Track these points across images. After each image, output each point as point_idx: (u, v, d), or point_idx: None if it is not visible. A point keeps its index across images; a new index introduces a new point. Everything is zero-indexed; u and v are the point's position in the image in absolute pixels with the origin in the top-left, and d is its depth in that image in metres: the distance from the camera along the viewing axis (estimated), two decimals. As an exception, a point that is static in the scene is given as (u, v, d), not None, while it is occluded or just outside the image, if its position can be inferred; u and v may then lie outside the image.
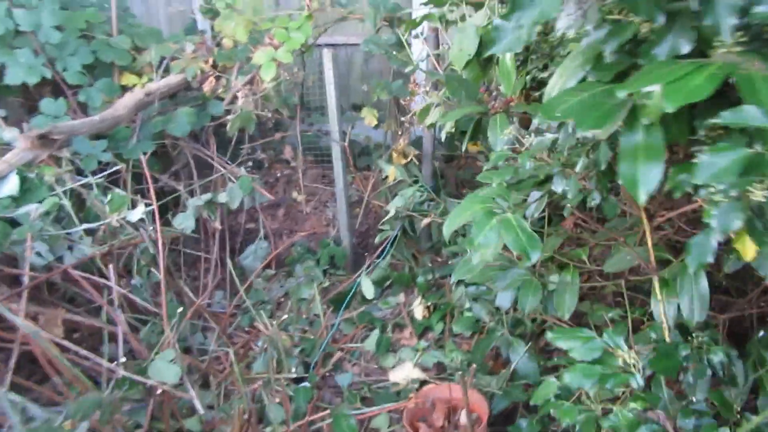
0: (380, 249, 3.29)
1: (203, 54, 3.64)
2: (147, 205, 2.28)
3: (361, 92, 4.97)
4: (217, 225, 2.98)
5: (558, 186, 1.55)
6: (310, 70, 4.23)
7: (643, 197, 0.97)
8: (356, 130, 3.66)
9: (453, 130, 2.01)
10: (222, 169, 3.10)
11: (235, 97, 3.38)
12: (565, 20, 1.13)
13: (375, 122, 3.24)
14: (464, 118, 1.93)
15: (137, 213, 2.18)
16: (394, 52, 3.21)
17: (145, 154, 2.80)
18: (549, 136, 1.54)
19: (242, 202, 3.05)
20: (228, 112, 3.35)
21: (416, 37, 3.85)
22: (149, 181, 2.37)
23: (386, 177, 3.36)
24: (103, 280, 2.31)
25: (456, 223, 1.39)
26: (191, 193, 3.07)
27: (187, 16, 5.08)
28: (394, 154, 3.24)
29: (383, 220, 3.24)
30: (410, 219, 3.28)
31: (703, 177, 0.84)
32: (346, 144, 3.15)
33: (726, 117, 0.81)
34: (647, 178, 0.96)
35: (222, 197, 2.96)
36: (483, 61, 1.71)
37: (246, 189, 2.98)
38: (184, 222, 2.79)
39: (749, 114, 0.79)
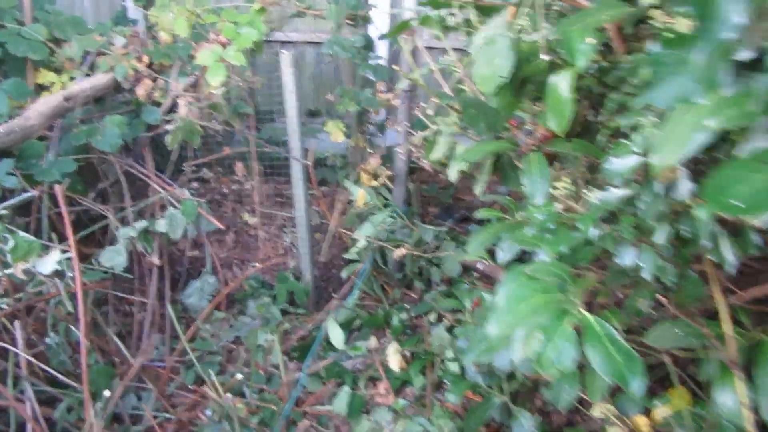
0: (347, 285, 2.87)
1: (136, 49, 3.09)
2: (65, 250, 1.77)
3: (314, 96, 4.51)
4: (155, 260, 2.47)
5: (626, 258, 1.17)
6: (257, 70, 3.75)
7: None
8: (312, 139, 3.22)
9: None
10: (161, 190, 2.58)
11: (174, 103, 2.87)
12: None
13: (342, 137, 2.80)
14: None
15: (50, 262, 1.67)
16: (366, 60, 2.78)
17: (64, 176, 2.26)
18: (617, 193, 1.16)
19: (186, 230, 2.55)
20: (167, 120, 2.84)
21: (381, 38, 3.43)
22: (66, 220, 1.84)
23: (352, 200, 2.94)
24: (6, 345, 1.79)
25: (507, 326, 0.99)
26: (123, 221, 2.54)
27: (116, 2, 4.48)
28: (364, 175, 2.82)
29: (351, 250, 2.82)
30: (381, 250, 2.88)
31: None
32: (309, 163, 2.70)
33: None
34: None
35: (161, 225, 2.45)
36: (518, 85, 1.31)
37: (190, 215, 2.48)
38: (113, 259, 2.28)
39: None
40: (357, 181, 2.89)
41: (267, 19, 3.20)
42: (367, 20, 3.38)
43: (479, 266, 3.05)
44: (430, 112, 1.63)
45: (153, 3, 4.35)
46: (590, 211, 1.18)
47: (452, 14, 1.76)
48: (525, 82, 1.31)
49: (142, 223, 2.43)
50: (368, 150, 2.87)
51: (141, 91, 2.64)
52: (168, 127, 2.60)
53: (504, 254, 1.73)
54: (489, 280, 3.14)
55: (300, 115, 2.74)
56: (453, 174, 1.51)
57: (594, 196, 1.18)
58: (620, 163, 1.11)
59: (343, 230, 2.94)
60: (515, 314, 0.99)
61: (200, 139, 2.65)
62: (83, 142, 2.43)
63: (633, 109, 1.12)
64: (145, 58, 2.75)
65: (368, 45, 3.00)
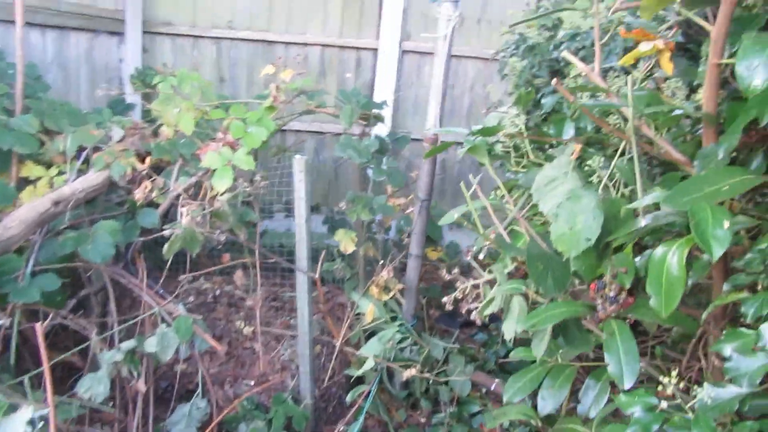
0: (350, 409, 2.60)
1: (135, 143, 2.91)
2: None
3: (313, 188, 4.35)
4: (141, 386, 2.18)
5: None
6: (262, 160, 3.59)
7: None
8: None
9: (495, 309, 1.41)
10: (153, 303, 2.33)
11: (172, 204, 2.66)
12: None
13: (352, 247, 2.60)
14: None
15: (19, 423, 1.39)
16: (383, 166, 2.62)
17: (45, 297, 2.01)
18: (733, 391, 0.96)
19: (177, 349, 2.28)
20: (164, 223, 2.62)
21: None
22: (47, 374, 1.58)
23: (360, 314, 2.71)
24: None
25: None
26: (107, 340, 2.27)
27: (114, 84, 4.36)
28: (374, 288, 2.60)
29: (358, 372, 2.56)
30: (389, 370, 2.63)
31: None
32: (317, 276, 2.48)
33: None
34: None
35: (150, 345, 2.19)
36: (603, 247, 1.13)
37: (185, 334, 2.22)
38: (93, 388, 1.99)
39: None
40: (366, 294, 2.67)
41: (276, 116, 3.06)
42: (379, 119, 3.26)
43: (492, 387, 2.81)
44: (481, 256, 1.44)
45: (152, 87, 4.23)
46: (701, 412, 0.97)
47: (501, 142, 1.61)
48: (609, 243, 1.13)
49: (129, 344, 2.17)
50: (380, 260, 2.67)
51: (139, 195, 2.43)
52: (166, 232, 2.38)
53: (546, 403, 1.50)
54: (501, 400, 2.89)
55: (310, 222, 2.55)
56: (509, 333, 1.30)
57: (705, 392, 0.98)
58: (745, 362, 0.91)
59: (348, 347, 2.69)
60: None
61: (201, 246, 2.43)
62: (70, 250, 2.19)
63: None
64: (147, 161, 2.54)
65: (382, 149, 2.86)
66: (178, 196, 2.59)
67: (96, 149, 2.75)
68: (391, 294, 2.62)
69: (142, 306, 2.37)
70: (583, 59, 2.40)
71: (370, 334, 2.76)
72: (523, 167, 1.55)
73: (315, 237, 2.96)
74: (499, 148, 1.60)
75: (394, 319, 2.78)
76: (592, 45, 2.20)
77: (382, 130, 4.03)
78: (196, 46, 4.57)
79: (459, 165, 4.91)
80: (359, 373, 2.55)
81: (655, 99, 1.19)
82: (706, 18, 1.07)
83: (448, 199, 4.95)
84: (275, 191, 3.22)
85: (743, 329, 0.96)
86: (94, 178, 2.48)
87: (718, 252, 0.83)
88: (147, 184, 2.43)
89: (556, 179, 1.35)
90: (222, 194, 2.42)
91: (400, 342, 2.70)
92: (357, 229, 2.92)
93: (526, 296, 1.37)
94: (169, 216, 2.69)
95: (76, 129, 2.80)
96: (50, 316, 2.07)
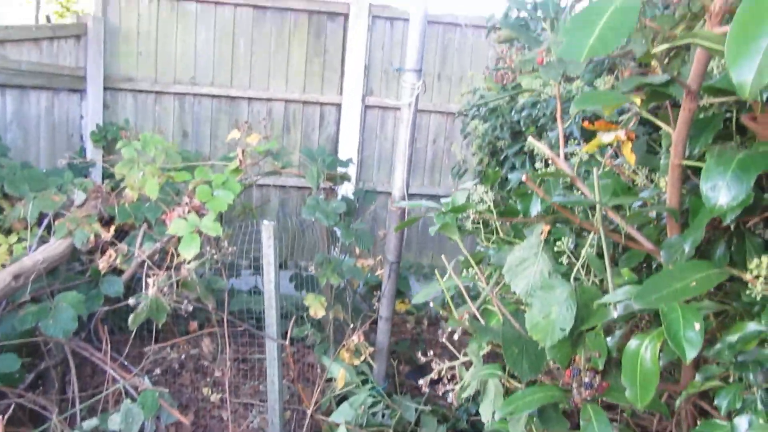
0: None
1: (97, 206, 2.86)
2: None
3: (279, 244, 4.32)
4: (104, 467, 2.10)
5: None
6: (225, 219, 3.56)
7: None
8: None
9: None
10: (118, 378, 2.26)
11: (136, 271, 2.61)
12: None
13: (322, 312, 2.59)
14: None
15: None
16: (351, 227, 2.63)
17: (2, 377, 1.93)
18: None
19: (143, 424, 2.21)
20: (128, 290, 2.57)
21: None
22: None
23: (331, 379, 2.67)
24: None
25: None
26: (69, 418, 2.18)
27: (75, 141, 4.30)
28: (344, 353, 2.58)
29: (329, 438, 2.52)
30: (362, 435, 2.59)
31: None
32: (287, 343, 2.45)
33: None
34: None
35: (114, 423, 2.11)
36: (577, 338, 1.16)
37: (150, 409, 2.16)
38: (54, 473, 1.91)
39: None
40: (337, 358, 2.65)
41: (242, 177, 3.06)
42: (345, 178, 3.29)
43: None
44: (456, 336, 1.46)
45: (113, 143, 4.19)
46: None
47: (469, 217, 1.64)
48: (581, 332, 1.16)
49: (91, 422, 2.09)
50: (349, 323, 2.66)
51: (103, 264, 2.38)
52: (131, 302, 2.33)
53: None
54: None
55: (278, 287, 2.53)
56: (486, 415, 1.31)
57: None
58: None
59: (323, 417, 2.64)
60: None
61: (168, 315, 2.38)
62: (30, 326, 2.12)
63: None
64: (111, 229, 2.50)
65: (350, 210, 2.88)
66: (142, 263, 2.54)
67: (58, 215, 2.70)
68: (362, 358, 2.60)
69: (106, 379, 2.29)
70: (543, 126, 2.49)
71: (342, 398, 2.72)
72: (493, 243, 1.59)
73: (288, 300, 2.94)
74: (468, 224, 1.63)
75: (365, 382, 2.75)
76: (552, 113, 2.29)
77: (347, 184, 4.07)
78: (159, 102, 4.57)
79: (423, 217, 4.97)
80: (331, 440, 2.50)
81: (620, 186, 1.25)
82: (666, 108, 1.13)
83: (413, 251, 4.99)
84: (242, 248, 3.20)
85: (717, 421, 0.99)
86: (56, 246, 2.42)
87: (691, 354, 0.86)
88: (111, 252, 2.38)
89: (527, 260, 1.39)
90: (189, 262, 2.38)
91: (371, 406, 2.68)
92: (325, 292, 2.91)
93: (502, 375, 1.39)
94: (133, 282, 2.64)
95: (37, 194, 2.74)
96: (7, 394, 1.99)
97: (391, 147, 4.86)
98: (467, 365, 1.41)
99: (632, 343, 1.01)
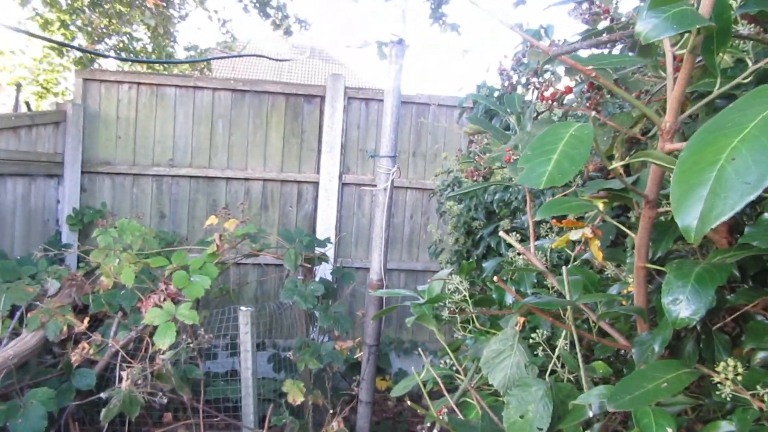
0: None
1: (71, 294, 2.83)
2: None
3: (257, 321, 4.26)
4: None
5: None
6: (202, 302, 3.52)
7: None
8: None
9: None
10: (86, 478, 2.17)
11: (110, 363, 2.56)
12: None
13: (300, 397, 2.54)
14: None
15: None
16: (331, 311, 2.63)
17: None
18: None
19: None
20: (101, 379, 2.50)
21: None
22: None
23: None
24: None
25: None
26: None
27: (50, 226, 4.27)
28: (325, 441, 2.52)
29: None
30: None
31: None
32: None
33: None
34: None
35: None
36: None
37: None
38: None
39: None
40: (316, 447, 2.58)
41: (219, 260, 3.06)
42: (323, 259, 3.30)
43: None
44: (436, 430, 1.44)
45: (88, 225, 4.16)
46: None
47: (447, 307, 1.66)
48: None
49: None
50: (329, 409, 2.61)
51: (76, 357, 2.33)
52: (103, 395, 2.27)
53: None
54: None
55: (256, 374, 2.49)
56: None
57: None
58: None
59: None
60: None
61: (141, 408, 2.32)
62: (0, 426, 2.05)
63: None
64: (85, 321, 2.46)
65: (328, 293, 2.88)
66: (116, 353, 2.50)
67: (31, 306, 2.65)
68: (342, 445, 2.54)
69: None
70: (516, 208, 2.56)
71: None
72: (470, 332, 1.60)
73: (267, 385, 2.89)
74: (445, 313, 1.65)
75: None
76: (523, 197, 2.36)
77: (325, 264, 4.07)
78: (137, 184, 4.59)
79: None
80: None
81: (591, 281, 1.28)
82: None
83: (393, 326, 4.96)
84: (219, 329, 3.16)
85: None
86: (27, 340, 2.37)
87: (665, 461, 0.88)
88: (84, 345, 2.33)
89: (504, 352, 1.40)
90: (164, 352, 2.35)
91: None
92: (304, 374, 2.87)
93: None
94: (107, 372, 2.58)
95: (9, 285, 2.70)
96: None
97: (368, 223, 4.91)
98: (448, 462, 1.39)
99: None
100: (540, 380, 1.17)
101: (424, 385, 1.53)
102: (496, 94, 2.55)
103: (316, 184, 4.85)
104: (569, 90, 1.64)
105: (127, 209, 4.52)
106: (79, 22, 8.95)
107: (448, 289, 1.67)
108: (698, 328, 1.04)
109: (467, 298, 1.59)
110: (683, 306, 0.80)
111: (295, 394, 2.55)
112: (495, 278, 1.14)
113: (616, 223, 1.10)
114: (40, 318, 2.49)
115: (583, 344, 1.36)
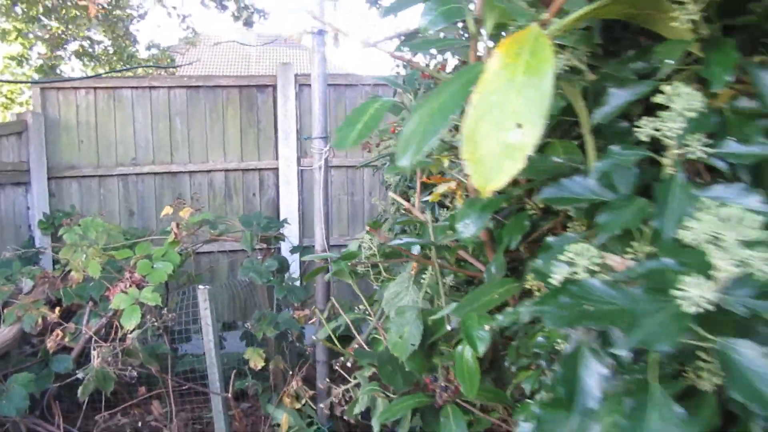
0: None
1: (44, 291, 3.06)
2: None
3: (230, 305, 4.52)
4: None
5: None
6: (172, 287, 3.77)
7: None
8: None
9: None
10: (70, 448, 2.43)
11: (85, 347, 2.80)
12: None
13: (261, 363, 2.81)
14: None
15: None
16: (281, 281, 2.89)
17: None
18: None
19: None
20: (79, 365, 2.75)
21: (293, 251, 3.60)
22: None
23: (277, 424, 2.88)
24: None
25: None
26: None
27: (23, 231, 4.48)
28: (286, 399, 2.79)
29: (279, 482, 2.70)
30: (310, 476, 2.78)
31: None
32: (230, 396, 2.66)
33: None
34: None
35: (70, 490, 2.28)
36: (428, 348, 1.43)
37: (104, 474, 2.34)
38: None
39: None
40: (280, 405, 2.85)
41: (181, 248, 3.30)
42: (280, 239, 3.56)
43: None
44: (348, 364, 1.72)
45: (60, 228, 4.37)
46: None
47: (363, 263, 1.93)
48: (434, 344, 1.44)
49: (50, 491, 2.26)
50: (289, 372, 2.88)
51: (51, 344, 2.58)
52: (79, 375, 2.52)
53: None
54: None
55: (218, 346, 2.75)
56: (376, 428, 1.56)
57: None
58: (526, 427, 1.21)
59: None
60: None
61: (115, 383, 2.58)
62: (-15, 408, 2.30)
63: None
64: (56, 310, 2.70)
65: (282, 267, 3.14)
66: (90, 338, 2.74)
67: (7, 303, 2.89)
68: (303, 401, 2.82)
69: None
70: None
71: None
72: (381, 281, 1.87)
73: (234, 357, 3.15)
74: (361, 268, 1.92)
75: (311, 424, 2.96)
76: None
77: (293, 238, 4.33)
78: (103, 185, 4.80)
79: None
80: (280, 483, 2.68)
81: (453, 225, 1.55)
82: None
83: (345, 295, 5.24)
84: (191, 315, 3.41)
85: (527, 401, 1.27)
86: (5, 333, 2.61)
87: (481, 349, 1.15)
88: (58, 332, 2.58)
89: (401, 293, 1.67)
90: (132, 332, 2.60)
91: (318, 446, 2.88)
92: (270, 344, 3.14)
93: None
94: (83, 357, 2.82)
95: (-15, 286, 2.93)
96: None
97: (331, 204, 5.15)
98: (359, 387, 1.67)
99: (459, 348, 1.29)
100: (413, 307, 1.44)
101: (336, 330, 1.81)
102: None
103: (276, 170, 5.08)
104: (443, 67, 1.90)
105: (96, 210, 4.73)
106: (38, 32, 9.00)
107: (364, 248, 1.94)
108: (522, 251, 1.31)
109: (376, 253, 1.86)
110: (471, 227, 1.06)
111: (256, 360, 2.82)
112: (366, 228, 1.40)
113: (458, 176, 1.37)
114: (16, 313, 2.72)
115: (476, 281, 1.62)
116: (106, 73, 6.15)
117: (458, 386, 1.47)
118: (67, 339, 2.75)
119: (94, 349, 2.48)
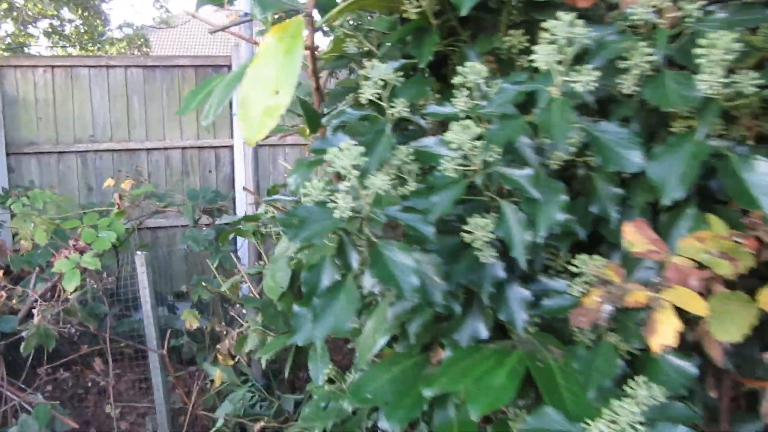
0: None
1: (-5, 259, 3.25)
2: None
3: (186, 276, 4.73)
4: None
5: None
6: (124, 258, 3.97)
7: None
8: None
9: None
10: (14, 398, 2.65)
11: (31, 309, 3.01)
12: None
13: (196, 323, 3.04)
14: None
15: None
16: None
17: None
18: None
19: (39, 435, 2.60)
20: (26, 323, 2.96)
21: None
22: None
23: (212, 381, 3.11)
24: None
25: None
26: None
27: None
28: (220, 356, 3.02)
29: (212, 429, 2.94)
30: (242, 426, 3.02)
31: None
32: (164, 352, 2.88)
33: (530, 423, 0.79)
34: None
35: (11, 435, 2.50)
36: (297, 292, 1.67)
37: (44, 421, 2.55)
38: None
39: (554, 420, 0.78)
40: (215, 362, 3.08)
41: (127, 218, 3.51)
42: (223, 211, 3.77)
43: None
44: (244, 311, 1.95)
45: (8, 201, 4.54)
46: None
47: (267, 227, 2.15)
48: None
49: (-9, 435, 2.47)
50: (223, 332, 3.11)
51: (-5, 303, 2.78)
52: (23, 334, 2.73)
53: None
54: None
55: (156, 311, 2.97)
56: (263, 361, 1.80)
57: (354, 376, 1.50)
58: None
59: (205, 412, 3.07)
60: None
61: (57, 341, 2.79)
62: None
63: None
64: (0, 273, 2.90)
65: (220, 236, 3.35)
66: (35, 301, 2.95)
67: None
68: (236, 359, 3.05)
69: (3, 401, 2.67)
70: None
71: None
72: (277, 239, 2.10)
73: (168, 320, 3.37)
74: (265, 229, 2.14)
75: (246, 381, 3.19)
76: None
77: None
78: (62, 161, 4.95)
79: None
80: (213, 431, 2.92)
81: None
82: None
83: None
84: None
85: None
86: (-47, 294, 2.80)
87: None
88: (2, 293, 2.78)
89: (289, 247, 1.90)
90: (72, 293, 2.80)
91: (252, 401, 3.12)
92: (216, 309, 3.37)
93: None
94: (29, 318, 3.03)
95: (-64, 253, 3.12)
96: None
97: (283, 181, 5.36)
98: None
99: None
100: (284, 256, 1.67)
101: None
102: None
103: (231, 148, 5.26)
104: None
105: (56, 185, 4.89)
106: (5, 5, 8.99)
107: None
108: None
109: (274, 215, 2.08)
110: (296, 181, 1.29)
111: (191, 320, 3.05)
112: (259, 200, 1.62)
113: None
114: (-36, 276, 2.92)
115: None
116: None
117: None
118: (14, 301, 2.95)
119: (34, 309, 2.69)
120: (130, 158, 5.10)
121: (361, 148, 0.75)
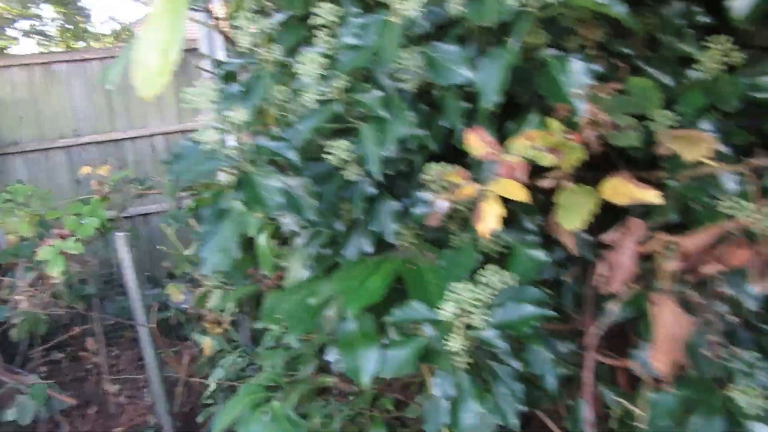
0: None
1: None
2: None
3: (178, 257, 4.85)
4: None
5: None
6: (108, 245, 4.09)
7: (366, 380, 1.02)
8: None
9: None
10: (9, 381, 2.79)
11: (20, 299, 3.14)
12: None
13: (182, 297, 3.16)
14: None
15: None
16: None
17: None
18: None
19: (39, 413, 2.74)
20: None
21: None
22: None
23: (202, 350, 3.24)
24: None
25: (225, 423, 1.35)
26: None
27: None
28: (207, 325, 3.15)
29: (204, 395, 3.09)
30: (233, 389, 3.16)
31: (388, 372, 0.91)
32: (153, 325, 3.01)
33: (396, 315, 0.89)
34: (367, 362, 1.02)
35: (10, 414, 2.64)
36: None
37: (40, 399, 2.69)
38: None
39: (416, 310, 0.88)
40: (204, 331, 3.21)
41: (110, 205, 3.62)
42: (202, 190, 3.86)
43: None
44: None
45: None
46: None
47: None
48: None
49: (-9, 416, 2.62)
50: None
51: (-15, 293, 2.91)
52: (14, 321, 2.86)
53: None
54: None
55: (141, 285, 3.09)
56: (228, 314, 1.92)
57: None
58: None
59: (199, 379, 3.21)
60: (230, 414, 1.36)
61: (48, 324, 2.93)
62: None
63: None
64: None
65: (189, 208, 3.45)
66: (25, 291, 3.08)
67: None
68: (223, 326, 3.17)
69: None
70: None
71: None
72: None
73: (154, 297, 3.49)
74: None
75: (237, 347, 3.32)
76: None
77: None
78: (48, 157, 5.05)
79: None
80: (206, 398, 3.06)
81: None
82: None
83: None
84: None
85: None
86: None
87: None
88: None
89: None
90: (59, 278, 2.93)
91: (242, 365, 3.25)
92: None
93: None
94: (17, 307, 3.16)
95: (-72, 252, 3.25)
96: None
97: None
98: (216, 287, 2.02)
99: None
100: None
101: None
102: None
103: (212, 129, 5.34)
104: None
105: (44, 182, 5.00)
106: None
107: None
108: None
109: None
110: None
111: (176, 294, 3.17)
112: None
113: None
114: (-44, 271, 3.05)
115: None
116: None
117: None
118: (4, 292, 3.08)
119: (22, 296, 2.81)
120: (115, 148, 5.19)
121: (213, 86, 0.84)
